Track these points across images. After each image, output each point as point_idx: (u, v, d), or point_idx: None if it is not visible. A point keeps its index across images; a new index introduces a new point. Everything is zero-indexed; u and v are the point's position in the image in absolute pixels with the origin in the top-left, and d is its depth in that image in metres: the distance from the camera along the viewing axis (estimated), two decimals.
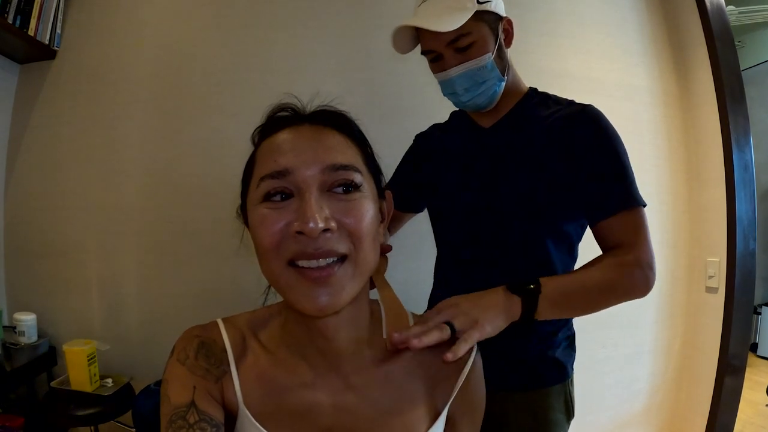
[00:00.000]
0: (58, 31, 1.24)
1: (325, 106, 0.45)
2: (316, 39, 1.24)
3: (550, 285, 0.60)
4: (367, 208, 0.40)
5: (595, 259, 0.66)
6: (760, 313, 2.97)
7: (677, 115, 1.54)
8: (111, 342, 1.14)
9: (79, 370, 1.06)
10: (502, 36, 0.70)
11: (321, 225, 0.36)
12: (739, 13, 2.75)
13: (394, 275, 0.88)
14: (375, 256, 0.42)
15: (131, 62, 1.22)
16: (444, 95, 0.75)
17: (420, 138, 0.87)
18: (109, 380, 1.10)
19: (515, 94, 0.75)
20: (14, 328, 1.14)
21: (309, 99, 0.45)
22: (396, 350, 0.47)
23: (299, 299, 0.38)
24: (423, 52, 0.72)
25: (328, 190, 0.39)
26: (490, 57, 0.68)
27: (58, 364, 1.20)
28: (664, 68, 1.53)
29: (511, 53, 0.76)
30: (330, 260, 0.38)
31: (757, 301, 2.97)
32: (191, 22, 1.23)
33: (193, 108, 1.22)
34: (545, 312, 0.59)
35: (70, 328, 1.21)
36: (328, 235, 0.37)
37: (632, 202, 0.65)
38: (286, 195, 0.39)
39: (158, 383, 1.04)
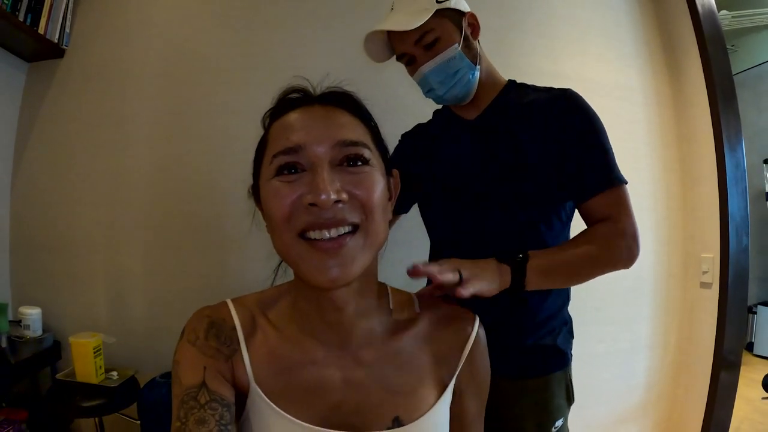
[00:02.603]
0: (67, 30, 1.26)
1: (334, 87, 0.46)
2: (322, 38, 1.26)
3: (537, 256, 0.65)
4: (377, 180, 0.41)
5: (581, 232, 0.70)
6: (755, 313, 3.00)
7: (670, 114, 1.58)
8: (116, 335, 1.15)
9: (84, 362, 1.07)
10: (468, 29, 0.74)
11: (333, 197, 0.37)
12: (732, 17, 2.81)
13: (393, 269, 0.90)
14: (385, 230, 0.43)
15: (139, 61, 1.25)
16: (425, 96, 0.78)
17: (406, 137, 0.88)
18: (114, 373, 1.11)
19: (494, 86, 0.77)
20: (19, 321, 1.15)
21: (319, 81, 0.47)
22: (402, 323, 0.49)
23: (310, 271, 0.39)
24: (397, 58, 0.77)
25: (338, 164, 0.40)
26: (457, 47, 0.71)
27: (62, 358, 1.20)
28: (657, 70, 1.57)
29: (486, 49, 0.79)
30: (342, 231, 0.39)
31: (752, 300, 3.00)
32: (198, 22, 1.26)
33: (200, 105, 1.24)
34: (534, 281, 0.64)
35: (75, 322, 1.22)
36: (340, 206, 0.38)
37: (613, 181, 0.68)
38: (299, 169, 0.40)
39: (163, 376, 1.06)
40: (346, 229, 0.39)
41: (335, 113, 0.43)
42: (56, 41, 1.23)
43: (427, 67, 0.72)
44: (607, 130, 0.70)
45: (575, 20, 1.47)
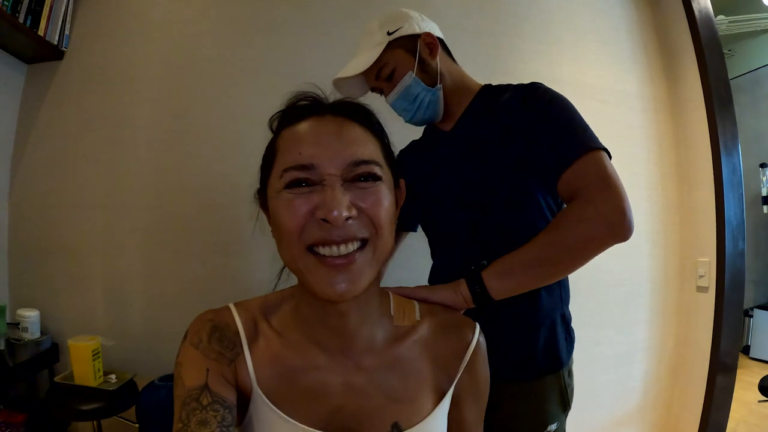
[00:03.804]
0: (67, 32, 1.26)
1: (347, 97, 0.46)
2: (321, 41, 1.27)
3: (497, 261, 0.62)
4: (385, 195, 0.42)
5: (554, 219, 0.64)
6: (751, 316, 3.01)
7: (667, 119, 1.59)
8: (115, 338, 1.14)
9: (83, 365, 1.06)
10: (424, 50, 0.75)
11: (345, 213, 0.38)
12: (729, 22, 2.83)
13: (393, 274, 0.90)
14: (391, 242, 0.44)
15: (139, 63, 1.25)
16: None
17: (402, 154, 0.88)
18: (113, 376, 1.11)
19: (466, 94, 0.78)
20: (17, 324, 1.15)
21: (331, 90, 0.47)
22: (403, 330, 0.49)
23: (318, 284, 0.40)
24: (372, 91, 0.81)
25: (350, 180, 0.40)
26: (411, 75, 0.74)
27: (61, 361, 1.20)
28: (654, 75, 1.58)
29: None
30: (351, 248, 0.40)
31: (748, 304, 3.01)
32: (198, 25, 1.26)
33: (200, 109, 1.24)
34: (498, 287, 0.60)
35: (74, 324, 1.21)
36: (350, 222, 0.39)
37: (576, 151, 0.62)
38: (309, 184, 0.40)
39: (162, 379, 1.06)
40: (356, 245, 0.40)
41: (347, 126, 0.43)
42: (56, 43, 1.23)
43: (390, 98, 0.76)
44: (603, 135, 0.66)
45: (573, 26, 1.48)
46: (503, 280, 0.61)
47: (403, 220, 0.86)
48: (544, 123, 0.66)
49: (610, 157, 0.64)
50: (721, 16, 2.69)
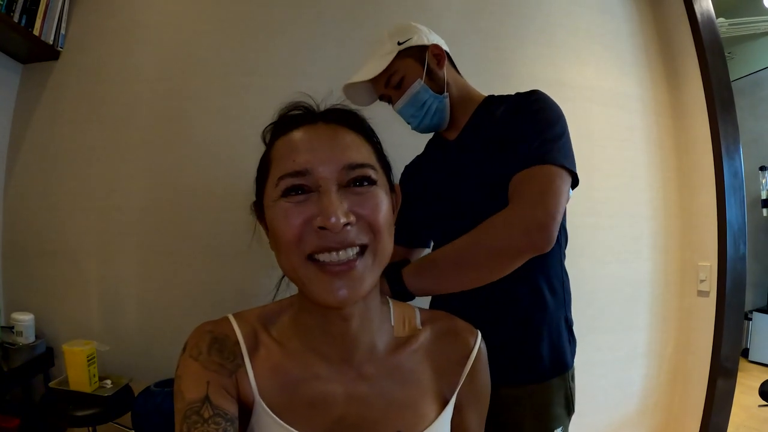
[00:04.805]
0: (63, 32, 1.25)
1: (338, 105, 0.46)
2: (319, 43, 1.26)
3: (421, 259, 0.65)
4: (382, 199, 0.42)
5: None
6: (751, 319, 3.02)
7: (669, 123, 1.58)
8: (110, 343, 1.13)
9: (78, 370, 1.05)
10: (432, 61, 0.79)
11: (343, 219, 0.38)
12: (729, 25, 2.84)
13: None
14: (391, 246, 0.43)
15: (135, 64, 1.24)
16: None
17: (406, 170, 0.90)
18: (108, 381, 1.10)
19: (470, 104, 0.81)
20: (12, 328, 1.14)
21: (322, 98, 0.46)
22: (404, 337, 0.49)
23: (318, 291, 0.39)
24: (380, 99, 0.83)
25: (345, 185, 0.40)
26: (420, 83, 0.77)
27: (55, 365, 1.19)
28: (656, 78, 1.58)
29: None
30: (351, 253, 0.39)
31: (748, 307, 3.02)
32: (195, 25, 1.25)
33: (196, 110, 1.23)
34: (417, 284, 0.62)
35: (68, 329, 1.20)
36: (348, 228, 0.39)
37: (540, 159, 0.63)
38: (306, 190, 0.40)
39: (158, 384, 1.04)
40: (355, 250, 0.40)
41: (340, 132, 0.43)
42: (51, 43, 1.22)
43: (398, 105, 0.80)
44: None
45: (575, 28, 1.47)
46: (422, 278, 0.63)
47: (414, 235, 0.88)
48: (524, 127, 0.69)
49: (576, 180, 0.66)
50: (721, 19, 2.69)
